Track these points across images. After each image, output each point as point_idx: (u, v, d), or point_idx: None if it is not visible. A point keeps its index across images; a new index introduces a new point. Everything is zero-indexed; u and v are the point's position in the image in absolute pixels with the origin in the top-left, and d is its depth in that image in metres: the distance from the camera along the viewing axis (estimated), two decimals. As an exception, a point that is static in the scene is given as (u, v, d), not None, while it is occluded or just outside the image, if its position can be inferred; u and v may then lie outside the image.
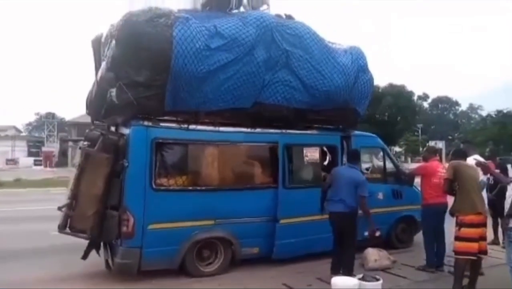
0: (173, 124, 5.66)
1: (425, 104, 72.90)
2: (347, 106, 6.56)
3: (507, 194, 5.30)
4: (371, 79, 6.84)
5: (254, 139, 6.14)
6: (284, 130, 6.32)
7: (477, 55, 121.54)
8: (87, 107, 6.17)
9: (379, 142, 7.64)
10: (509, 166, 7.23)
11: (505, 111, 39.54)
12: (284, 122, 6.33)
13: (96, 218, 5.32)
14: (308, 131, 6.61)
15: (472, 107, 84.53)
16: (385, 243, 7.13)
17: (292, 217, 6.15)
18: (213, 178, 5.83)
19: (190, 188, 5.62)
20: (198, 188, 5.67)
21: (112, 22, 5.79)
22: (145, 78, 5.22)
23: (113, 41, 5.44)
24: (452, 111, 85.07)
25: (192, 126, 5.70)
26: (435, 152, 6.61)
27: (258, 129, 6.16)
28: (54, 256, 6.79)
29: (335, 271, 5.73)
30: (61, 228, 5.42)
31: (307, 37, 6.12)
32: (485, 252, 5.02)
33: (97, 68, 6.60)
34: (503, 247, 7.19)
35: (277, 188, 6.09)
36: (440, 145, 28.40)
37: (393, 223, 7.43)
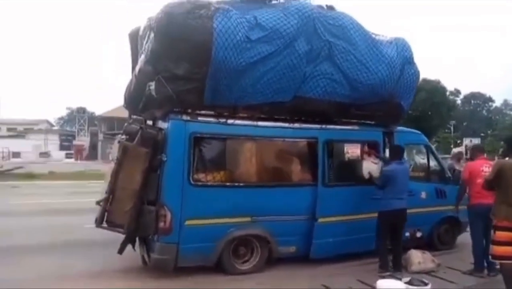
0: (212, 119, 5.52)
1: (457, 101, 70.54)
2: (392, 100, 6.24)
3: None
4: (417, 72, 6.49)
5: (293, 135, 5.94)
6: (324, 126, 6.08)
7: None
8: (125, 101, 6.11)
9: (424, 139, 7.30)
10: None
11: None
12: (325, 117, 6.10)
13: (134, 213, 5.25)
14: (349, 127, 6.35)
15: (506, 103, 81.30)
16: (427, 244, 6.84)
17: (331, 216, 5.94)
18: (251, 174, 5.68)
19: (228, 183, 5.48)
20: (236, 184, 5.53)
21: (150, 15, 5.70)
22: (185, 71, 5.09)
23: (152, 34, 5.33)
24: (485, 108, 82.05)
25: (230, 121, 5.55)
26: (482, 149, 6.22)
27: (297, 125, 5.96)
28: (90, 250, 6.82)
29: (385, 268, 5.72)
30: (99, 222, 5.39)
31: (350, 28, 5.84)
32: None
33: (134, 62, 6.54)
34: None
35: (316, 186, 5.88)
36: (476, 142, 27.26)
37: (436, 223, 7.09)
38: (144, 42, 5.67)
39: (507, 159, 4.81)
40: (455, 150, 8.96)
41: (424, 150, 7.32)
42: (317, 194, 5.85)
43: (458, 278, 5.59)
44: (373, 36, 6.13)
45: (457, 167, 8.00)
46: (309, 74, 5.66)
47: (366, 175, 6.09)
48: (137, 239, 5.79)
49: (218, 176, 5.46)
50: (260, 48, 5.27)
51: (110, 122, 51.45)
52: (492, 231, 4.70)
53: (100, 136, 52.80)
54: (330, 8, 6.21)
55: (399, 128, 6.80)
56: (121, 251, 5.72)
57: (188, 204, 5.22)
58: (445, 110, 42.58)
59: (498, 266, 5.32)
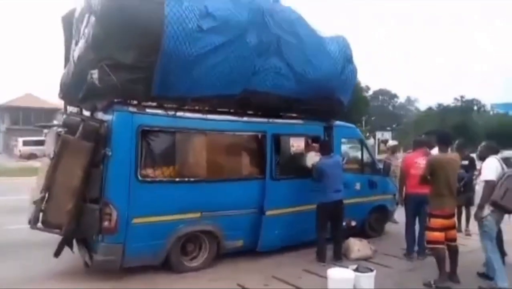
0: (160, 111, 5.26)
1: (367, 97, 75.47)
2: (333, 96, 6.49)
3: (476, 187, 5.56)
4: (355, 69, 6.82)
5: (242, 128, 5.91)
6: (271, 120, 6.14)
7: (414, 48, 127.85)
8: (61, 90, 5.57)
9: (358, 133, 7.74)
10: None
11: (445, 104, 42.34)
12: (271, 111, 6.16)
13: (74, 212, 4.85)
14: (294, 121, 6.49)
15: (409, 100, 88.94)
16: (359, 233, 7.27)
17: (278, 208, 6.03)
18: (201, 169, 5.52)
19: (177, 179, 5.28)
20: (185, 179, 5.35)
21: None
22: (132, 60, 4.78)
23: (92, 18, 4.91)
24: (391, 103, 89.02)
25: (179, 114, 5.35)
26: (421, 143, 6.76)
27: (245, 118, 5.94)
28: (19, 253, 6.17)
29: (322, 258, 5.94)
30: (33, 223, 4.88)
31: (297, 23, 5.96)
32: (454, 240, 5.22)
33: (67, 47, 6.03)
34: (467, 235, 7.69)
35: (264, 179, 5.92)
36: (387, 135, 29.62)
37: (368, 212, 7.56)
38: (83, 26, 5.21)
39: (441, 154, 5.25)
40: (390, 143, 9.59)
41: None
42: (265, 187, 5.90)
43: (393, 262, 6.03)
44: (318, 32, 6.30)
45: (392, 159, 8.56)
46: (259, 67, 5.66)
47: (310, 167, 6.28)
48: (74, 240, 5.37)
49: (167, 171, 5.23)
50: (211, 39, 5.12)
51: (14, 112, 46.80)
52: (427, 219, 5.16)
53: (3, 127, 47.79)
54: (275, 1, 6.26)
55: (337, 122, 7.11)
56: (57, 253, 5.29)
57: (135, 201, 4.93)
58: (363, 106, 45.48)
59: (427, 251, 5.87)
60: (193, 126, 5.45)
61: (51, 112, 46.06)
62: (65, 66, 6.18)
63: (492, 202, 4.94)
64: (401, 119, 76.56)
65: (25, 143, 34.38)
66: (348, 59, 6.61)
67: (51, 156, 5.00)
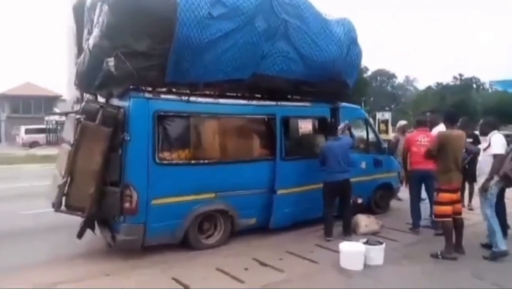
0: (174, 96, 5.46)
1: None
2: (339, 78, 6.66)
3: (479, 158, 5.79)
4: (360, 52, 6.98)
5: (253, 112, 6.10)
6: (279, 103, 6.33)
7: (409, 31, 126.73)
8: (77, 78, 5.72)
9: (363, 113, 7.96)
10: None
11: (444, 83, 42.34)
12: (280, 94, 6.34)
13: (95, 195, 5.08)
14: (301, 104, 6.68)
15: (408, 80, 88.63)
16: (365, 209, 7.53)
17: (288, 187, 6.27)
18: (214, 151, 5.75)
19: (193, 161, 5.51)
20: (200, 161, 5.57)
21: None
22: (146, 48, 4.95)
23: (106, 7, 5.04)
24: (389, 84, 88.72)
25: (192, 99, 5.54)
26: (422, 123, 6.97)
27: (255, 102, 6.14)
28: (39, 237, 6.47)
29: (329, 234, 6.17)
30: (57, 207, 5.12)
31: (303, 7, 6.08)
32: (459, 213, 5.49)
33: (79, 36, 6.16)
34: (469, 210, 7.96)
35: (274, 160, 6.15)
36: (387, 115, 29.66)
37: (374, 190, 7.82)
38: (96, 15, 5.33)
39: (448, 130, 5.47)
40: (401, 123, 9.70)
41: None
42: (275, 168, 6.13)
43: (399, 236, 6.31)
44: (323, 15, 6.43)
45: (401, 139, 8.70)
46: (267, 52, 5.83)
47: None
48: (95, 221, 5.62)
49: (182, 154, 5.45)
50: (221, 25, 5.28)
51: (14, 101, 46.74)
52: (435, 193, 5.40)
53: (3, 116, 47.80)
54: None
55: (343, 104, 7.30)
56: (80, 235, 5.54)
57: (154, 183, 5.16)
58: (362, 86, 45.56)
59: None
60: (206, 110, 5.65)
61: (51, 100, 46.07)
62: (77, 54, 6.33)
63: (504, 174, 5.24)
64: (399, 99, 76.43)
65: (27, 131, 34.59)
66: (353, 42, 6.76)
67: (71, 142, 5.20)
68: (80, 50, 6.27)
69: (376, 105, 68.95)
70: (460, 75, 41.50)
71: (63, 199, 5.14)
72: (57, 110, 46.49)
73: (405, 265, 5.12)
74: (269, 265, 5.05)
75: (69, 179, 5.12)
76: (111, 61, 4.92)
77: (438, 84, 42.43)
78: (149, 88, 5.30)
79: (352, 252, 4.94)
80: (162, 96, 5.34)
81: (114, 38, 4.97)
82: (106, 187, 5.18)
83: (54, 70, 52.22)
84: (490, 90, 45.26)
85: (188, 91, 5.64)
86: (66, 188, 5.11)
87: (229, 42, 5.40)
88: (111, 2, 4.93)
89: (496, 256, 5.18)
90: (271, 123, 6.17)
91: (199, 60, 5.28)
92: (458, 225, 5.39)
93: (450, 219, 5.29)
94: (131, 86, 5.17)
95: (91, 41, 5.23)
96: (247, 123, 6.19)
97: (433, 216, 5.80)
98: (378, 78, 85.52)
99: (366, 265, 4.94)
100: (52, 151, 24.31)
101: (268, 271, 4.89)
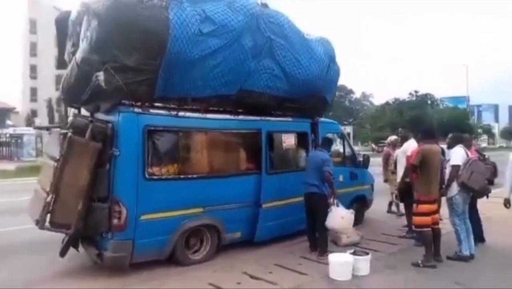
0: (163, 111, 5.46)
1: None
2: (319, 94, 6.92)
3: (446, 171, 6.19)
4: (338, 69, 7.29)
5: (239, 127, 6.20)
6: (264, 118, 6.47)
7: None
8: (63, 91, 5.59)
9: (339, 128, 8.24)
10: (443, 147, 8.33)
11: (401, 99, 44.44)
12: (264, 110, 6.49)
13: (82, 211, 4.95)
14: (284, 119, 6.85)
15: (364, 95, 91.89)
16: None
17: (273, 201, 6.39)
18: (202, 166, 5.80)
19: (181, 176, 5.51)
20: (189, 176, 5.59)
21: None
22: (137, 62, 4.94)
23: (95, 21, 5.00)
24: (347, 99, 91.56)
25: (181, 113, 5.57)
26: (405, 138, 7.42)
27: (241, 117, 6.25)
28: (20, 255, 6.20)
29: (311, 247, 6.19)
30: (42, 224, 4.93)
31: (286, 26, 6.30)
32: (437, 223, 5.84)
33: (61, 49, 6.06)
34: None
35: (260, 174, 6.26)
36: (348, 129, 30.74)
37: (350, 202, 8.07)
38: (83, 29, 5.27)
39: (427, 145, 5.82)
40: (391, 138, 9.97)
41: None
42: (261, 181, 6.23)
43: (379, 246, 6.54)
44: (304, 34, 6.69)
45: (391, 153, 9.02)
46: (253, 69, 5.97)
47: None
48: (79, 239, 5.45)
49: (171, 169, 5.45)
50: (210, 42, 5.38)
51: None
52: (415, 205, 5.69)
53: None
54: (265, 5, 6.57)
55: (322, 119, 7.56)
56: (63, 253, 5.38)
57: (143, 199, 5.12)
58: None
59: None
60: (194, 125, 5.70)
61: (3, 113, 43.99)
62: (57, 67, 6.23)
63: (461, 183, 5.71)
64: (357, 114, 79.00)
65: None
66: (332, 60, 7.06)
67: (57, 157, 5.06)
68: (61, 63, 6.17)
69: (335, 120, 70.97)
70: (416, 91, 43.83)
71: (48, 216, 4.97)
72: (9, 122, 44.50)
73: (389, 274, 5.33)
74: (260, 278, 5.10)
75: (53, 195, 4.96)
76: (100, 76, 4.88)
77: (396, 100, 44.49)
78: (138, 103, 5.27)
79: (341, 262, 5.10)
80: (152, 110, 5.33)
81: (103, 52, 4.94)
82: (93, 203, 5.07)
83: (6, 82, 49.99)
84: (441, 106, 47.97)
85: (175, 106, 5.67)
86: (51, 204, 4.94)
87: (218, 59, 5.50)
88: (100, 16, 4.90)
89: (458, 258, 5.74)
90: (257, 138, 6.29)
91: (188, 75, 5.34)
92: (436, 234, 5.70)
93: (429, 229, 5.58)
94: (120, 101, 5.13)
95: (78, 55, 5.16)
96: (234, 138, 6.28)
97: (413, 226, 6.08)
98: (337, 93, 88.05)
99: (353, 275, 5.11)
100: (5, 165, 23.24)
101: (260, 284, 4.94)
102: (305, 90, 6.61)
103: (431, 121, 37.26)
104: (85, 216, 5.01)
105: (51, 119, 5.58)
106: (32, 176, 16.42)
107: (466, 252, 5.76)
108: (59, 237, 5.40)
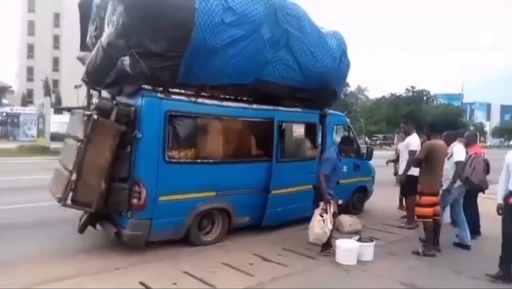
0: (183, 97, 5.65)
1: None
2: (330, 87, 7.14)
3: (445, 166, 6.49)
4: (349, 63, 7.49)
5: (253, 115, 6.41)
6: (276, 107, 6.68)
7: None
8: (88, 74, 5.73)
9: (346, 120, 8.48)
10: None
11: (397, 94, 44.84)
12: (277, 100, 6.69)
13: (104, 190, 5.17)
14: (295, 109, 7.06)
15: (359, 89, 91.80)
16: (343, 211, 8.05)
17: (281, 188, 6.64)
18: (218, 151, 6.01)
19: (198, 160, 5.73)
20: (205, 160, 5.81)
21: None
22: (162, 49, 5.12)
23: (121, 7, 5.14)
24: (342, 91, 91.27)
25: (200, 100, 5.76)
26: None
27: (255, 105, 6.44)
28: (36, 232, 6.44)
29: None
30: (63, 201, 5.14)
31: (303, 19, 6.48)
32: (438, 215, 6.14)
33: (84, 32, 6.20)
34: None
35: (270, 161, 6.49)
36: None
37: (352, 192, 8.38)
38: (108, 13, 5.42)
39: (432, 141, 6.10)
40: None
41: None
42: (271, 169, 6.47)
43: (380, 235, 6.85)
44: (319, 28, 6.87)
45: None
46: (270, 59, 6.16)
47: None
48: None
49: (189, 153, 5.66)
50: (232, 31, 5.54)
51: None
52: (418, 196, 5.98)
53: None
54: (281, -3, 6.72)
55: (330, 111, 7.80)
56: (82, 230, 5.65)
57: (162, 181, 5.33)
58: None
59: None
60: (212, 112, 5.89)
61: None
62: (80, 49, 6.36)
63: (465, 178, 6.04)
64: (351, 107, 79.08)
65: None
66: (344, 54, 7.26)
67: (80, 137, 5.24)
68: (83, 46, 6.31)
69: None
70: (412, 87, 44.19)
71: (70, 193, 5.17)
72: (5, 101, 44.11)
73: (392, 260, 5.63)
74: (271, 260, 5.37)
75: (76, 174, 5.16)
76: (126, 60, 5.04)
77: (392, 94, 44.87)
78: (160, 88, 5.46)
79: (348, 248, 5.39)
80: (173, 96, 5.52)
81: (129, 37, 5.10)
82: (114, 183, 5.28)
83: (2, 61, 49.59)
84: (434, 102, 48.52)
85: (192, 93, 5.86)
86: (74, 183, 5.14)
87: (237, 48, 5.68)
88: (127, 3, 5.04)
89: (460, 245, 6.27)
90: (269, 126, 6.50)
91: (209, 63, 5.51)
92: (436, 225, 6.00)
93: (431, 220, 5.88)
94: (143, 86, 5.31)
95: (104, 39, 5.31)
96: (248, 126, 6.47)
97: (415, 216, 6.37)
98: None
99: (358, 260, 5.40)
100: (2, 144, 23.18)
101: (271, 265, 5.21)
102: (317, 82, 6.82)
103: (424, 117, 37.83)
104: (106, 195, 5.23)
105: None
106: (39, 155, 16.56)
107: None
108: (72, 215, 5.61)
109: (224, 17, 5.44)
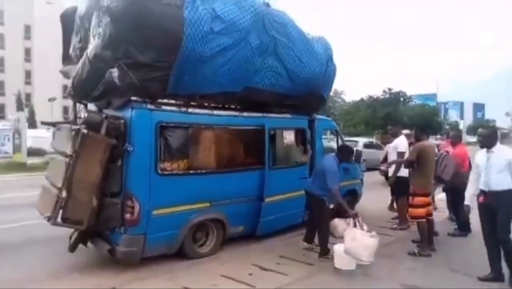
0: (173, 108, 5.56)
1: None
2: (318, 92, 7.16)
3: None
4: (335, 68, 7.54)
5: (244, 123, 6.36)
6: (266, 114, 6.65)
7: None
8: (73, 87, 5.55)
9: (334, 125, 8.53)
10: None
11: (374, 96, 45.56)
12: (265, 107, 6.66)
13: (95, 207, 5.00)
14: (284, 116, 7.05)
15: (336, 92, 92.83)
16: (334, 214, 8.06)
17: (274, 195, 6.58)
18: (210, 161, 5.91)
19: (191, 171, 5.62)
20: (198, 171, 5.71)
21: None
22: (151, 59, 5.02)
23: (106, 18, 5.02)
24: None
25: (190, 110, 5.67)
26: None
27: (245, 113, 6.39)
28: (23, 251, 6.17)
29: (309, 240, 6.31)
30: (53, 220, 4.94)
31: (290, 26, 6.48)
32: (431, 214, 6.23)
33: (66, 44, 6.04)
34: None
35: (263, 169, 6.44)
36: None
37: (343, 196, 8.36)
38: (93, 25, 5.28)
39: (422, 142, 6.19)
40: (404, 132, 10.19)
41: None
42: (264, 177, 6.41)
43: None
44: (305, 34, 6.90)
45: None
46: (259, 66, 6.12)
47: None
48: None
49: (181, 164, 5.54)
50: (221, 40, 5.49)
51: None
52: (410, 197, 6.04)
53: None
54: (267, 5, 6.73)
55: (318, 116, 7.82)
56: (73, 248, 5.43)
57: (155, 194, 5.20)
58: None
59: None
60: (203, 121, 5.81)
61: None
62: (62, 62, 6.18)
63: (437, 176, 6.24)
64: (329, 110, 79.84)
65: None
66: (330, 59, 7.31)
67: (68, 152, 5.06)
68: (65, 58, 6.15)
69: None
70: (389, 89, 45.04)
71: (59, 211, 4.98)
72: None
73: (389, 262, 5.64)
74: (270, 269, 5.31)
75: (65, 190, 4.98)
76: (114, 72, 4.91)
77: (370, 97, 45.60)
78: (149, 100, 5.34)
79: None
80: (163, 107, 5.41)
81: (116, 49, 4.97)
82: (105, 198, 5.12)
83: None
84: (410, 103, 49.60)
85: (181, 103, 5.77)
86: (63, 200, 4.95)
87: (226, 56, 5.62)
88: (115, 13, 4.92)
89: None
90: (260, 134, 6.46)
91: (198, 72, 5.43)
92: (430, 224, 6.07)
93: (424, 220, 5.94)
94: (132, 98, 5.19)
95: (90, 51, 5.16)
96: (239, 134, 6.41)
97: (408, 217, 6.43)
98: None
99: (356, 264, 5.38)
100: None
101: (271, 275, 5.14)
102: (305, 88, 6.82)
103: (401, 118, 38.64)
104: (97, 211, 5.06)
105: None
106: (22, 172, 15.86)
107: None
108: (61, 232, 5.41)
109: (213, 25, 5.39)
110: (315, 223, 6.23)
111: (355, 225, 5.43)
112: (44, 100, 48.12)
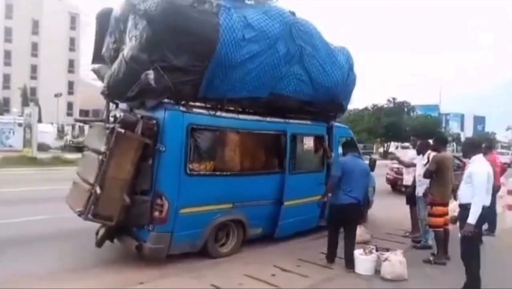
0: (203, 111, 5.73)
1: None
2: (338, 100, 7.34)
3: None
4: (356, 77, 7.73)
5: (267, 128, 6.53)
6: (288, 120, 6.83)
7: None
8: (108, 87, 5.72)
9: (350, 132, 8.70)
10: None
11: (379, 105, 45.75)
12: (289, 113, 6.84)
13: (126, 203, 5.16)
14: (304, 122, 7.22)
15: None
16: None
17: (294, 199, 6.75)
18: (235, 163, 6.09)
19: (217, 173, 5.80)
20: (223, 173, 5.88)
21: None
22: (185, 64, 5.20)
23: (143, 21, 5.19)
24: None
25: (218, 113, 5.84)
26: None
27: (268, 118, 6.57)
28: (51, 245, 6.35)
29: (331, 260, 5.83)
30: (85, 215, 5.10)
31: (315, 35, 6.67)
32: (447, 224, 6.38)
33: (98, 44, 6.22)
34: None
35: (283, 173, 6.60)
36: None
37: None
38: (129, 27, 5.44)
39: (441, 153, 6.36)
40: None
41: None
42: (284, 181, 6.58)
43: (389, 245, 6.98)
44: (329, 44, 7.08)
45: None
46: (284, 73, 6.31)
47: None
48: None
49: (208, 166, 5.72)
50: (251, 47, 5.68)
51: None
52: (429, 207, 6.20)
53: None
54: (292, 13, 6.92)
55: (336, 123, 8.01)
56: (100, 244, 5.57)
57: (183, 193, 5.37)
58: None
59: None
60: (229, 125, 5.98)
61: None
62: (93, 60, 6.37)
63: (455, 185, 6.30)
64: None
65: None
66: (351, 68, 7.49)
67: (102, 150, 5.23)
68: (96, 58, 6.32)
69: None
70: (394, 98, 45.24)
71: (91, 206, 5.14)
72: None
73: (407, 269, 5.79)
74: (291, 271, 5.46)
75: (98, 187, 5.14)
76: (150, 74, 5.08)
77: (374, 105, 45.83)
78: (181, 102, 5.52)
79: (367, 259, 5.52)
80: (194, 110, 5.59)
81: (152, 51, 5.14)
82: (135, 196, 5.28)
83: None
84: (411, 113, 49.88)
85: (210, 106, 5.95)
86: (95, 196, 5.11)
87: (255, 63, 5.81)
88: (151, 18, 5.09)
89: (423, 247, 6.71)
90: (282, 139, 6.63)
91: (229, 78, 5.62)
92: (446, 234, 6.22)
93: (442, 229, 6.10)
94: (166, 99, 5.37)
95: (127, 52, 5.32)
96: (262, 138, 6.58)
97: (428, 226, 6.55)
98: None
99: (375, 270, 5.54)
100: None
101: (293, 276, 5.29)
102: (327, 96, 7.01)
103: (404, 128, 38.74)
104: (127, 208, 5.22)
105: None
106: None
107: (429, 242, 6.70)
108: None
109: (245, 33, 5.58)
110: (352, 231, 5.83)
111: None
112: (49, 95, 48.36)
